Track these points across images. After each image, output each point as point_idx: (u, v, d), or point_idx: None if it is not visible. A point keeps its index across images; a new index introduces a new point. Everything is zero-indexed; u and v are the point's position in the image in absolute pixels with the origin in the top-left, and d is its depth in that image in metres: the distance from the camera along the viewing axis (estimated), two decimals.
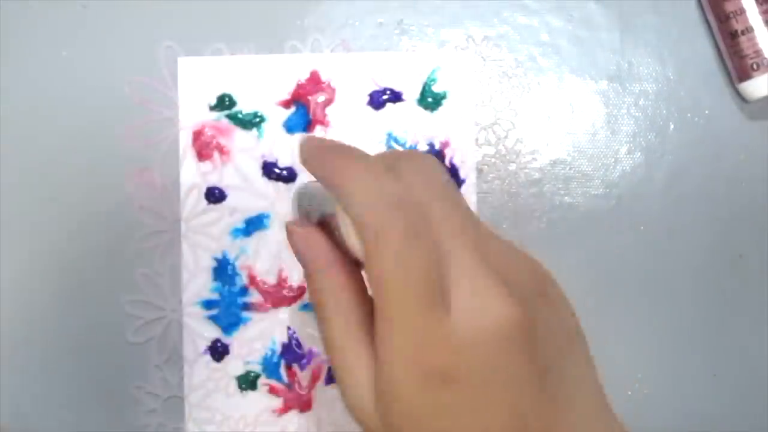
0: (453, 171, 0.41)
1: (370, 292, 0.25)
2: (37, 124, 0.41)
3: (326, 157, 0.26)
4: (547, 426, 0.24)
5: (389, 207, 0.23)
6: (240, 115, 0.41)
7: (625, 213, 0.41)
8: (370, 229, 0.24)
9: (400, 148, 0.38)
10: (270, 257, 0.41)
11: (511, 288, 0.24)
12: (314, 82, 0.41)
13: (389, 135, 0.41)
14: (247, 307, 0.41)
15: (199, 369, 0.41)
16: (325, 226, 0.28)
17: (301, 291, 0.41)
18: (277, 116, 0.41)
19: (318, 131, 0.41)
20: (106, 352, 0.41)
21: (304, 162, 0.27)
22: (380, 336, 0.24)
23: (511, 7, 0.42)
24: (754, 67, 0.40)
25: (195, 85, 0.41)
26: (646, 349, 0.41)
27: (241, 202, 0.41)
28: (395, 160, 0.26)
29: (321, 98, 0.41)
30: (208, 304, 0.41)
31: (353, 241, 0.25)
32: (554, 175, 0.41)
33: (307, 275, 0.28)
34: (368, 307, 0.27)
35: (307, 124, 0.41)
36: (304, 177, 0.41)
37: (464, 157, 0.41)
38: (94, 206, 0.41)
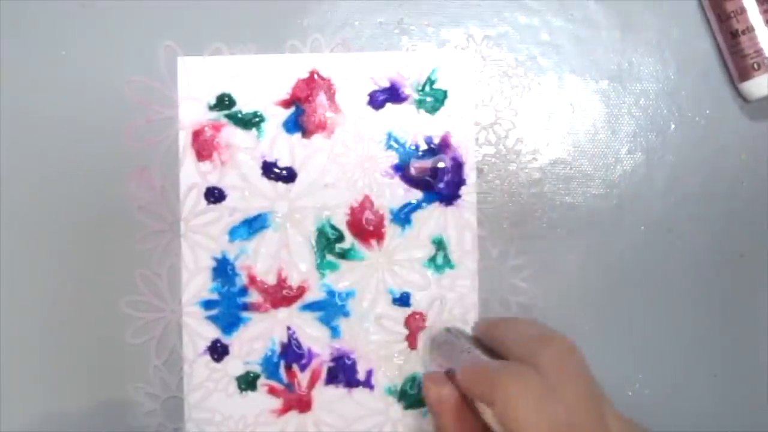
0: (453, 171, 0.41)
1: None
2: (36, 123, 0.41)
3: (478, 377, 0.29)
4: None
5: None
6: (239, 115, 0.41)
7: (625, 213, 0.41)
8: None
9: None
10: (270, 257, 0.41)
11: None
12: (314, 81, 0.41)
13: (389, 135, 0.41)
14: (246, 307, 0.41)
15: (199, 369, 0.40)
16: (453, 375, 0.31)
17: (300, 291, 0.41)
18: (276, 116, 0.41)
19: (317, 133, 0.41)
20: (105, 352, 0.41)
21: (462, 384, 0.30)
22: None
23: (512, 7, 0.41)
24: (755, 66, 0.39)
25: (194, 84, 0.41)
26: (646, 349, 0.41)
27: (241, 202, 0.41)
28: (535, 349, 0.28)
29: (320, 98, 0.41)
30: (207, 304, 0.41)
31: (496, 429, 0.28)
32: (555, 175, 0.41)
33: (436, 427, 0.31)
34: None
35: (306, 125, 0.41)
36: (304, 177, 0.41)
37: (464, 156, 0.41)
38: (93, 206, 0.41)
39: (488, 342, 0.32)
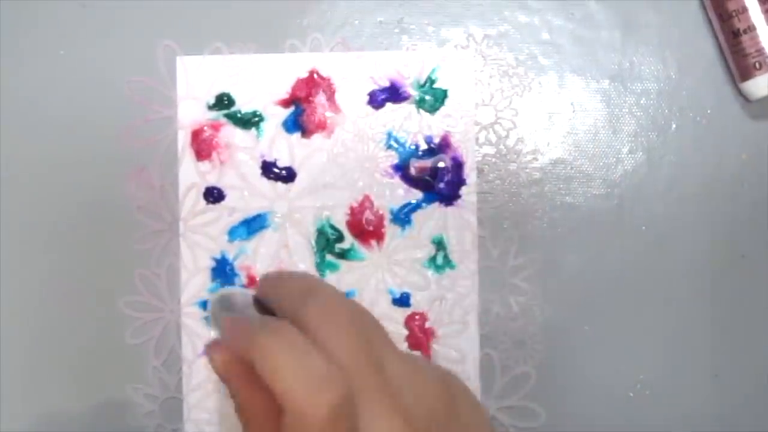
0: (453, 171, 0.40)
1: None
2: (36, 123, 0.41)
3: (237, 334, 0.28)
4: None
5: (308, 390, 0.25)
6: (239, 115, 0.41)
7: (626, 213, 0.41)
8: (292, 412, 0.25)
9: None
10: (269, 257, 0.41)
11: (417, 423, 0.26)
12: (313, 81, 0.41)
13: (389, 134, 0.41)
14: None
15: (198, 370, 0.40)
16: None
17: None
18: (276, 115, 0.41)
19: (317, 133, 0.41)
20: (104, 353, 0.41)
21: (224, 342, 0.29)
22: None
23: (512, 6, 0.41)
24: (757, 66, 0.39)
25: (193, 84, 0.41)
26: (647, 350, 0.41)
27: (240, 202, 0.41)
28: (300, 303, 0.28)
29: (320, 97, 0.41)
30: (206, 305, 0.41)
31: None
32: (555, 175, 0.41)
33: (230, 395, 0.29)
34: None
35: (306, 125, 0.41)
36: (303, 177, 0.41)
37: (465, 156, 0.41)
38: (92, 206, 0.41)
39: (265, 301, 0.32)
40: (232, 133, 0.41)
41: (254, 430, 0.28)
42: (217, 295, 0.35)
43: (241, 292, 0.34)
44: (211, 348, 0.29)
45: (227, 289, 0.38)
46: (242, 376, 0.28)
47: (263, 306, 0.32)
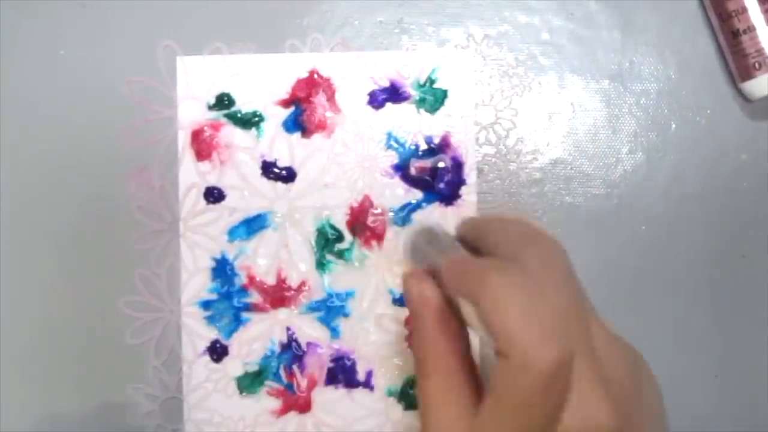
0: (453, 171, 0.40)
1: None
2: (35, 123, 0.41)
3: (464, 273, 0.26)
4: None
5: (538, 340, 0.24)
6: (239, 115, 0.41)
7: (626, 213, 0.41)
8: (514, 358, 0.24)
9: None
10: (269, 257, 0.41)
11: (614, 397, 0.25)
12: (313, 81, 0.41)
13: (389, 134, 0.41)
14: (246, 307, 0.41)
15: (198, 370, 0.40)
16: (436, 273, 0.28)
17: (300, 291, 0.41)
18: (276, 115, 0.41)
19: (317, 133, 0.41)
20: (104, 353, 0.41)
21: (446, 279, 0.27)
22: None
23: (512, 6, 0.41)
24: (756, 66, 0.39)
25: (194, 84, 0.41)
26: (646, 350, 0.41)
27: (241, 202, 0.41)
28: (521, 248, 0.26)
29: (320, 97, 0.41)
30: (206, 305, 0.41)
31: (479, 332, 0.26)
32: (555, 175, 0.41)
33: (415, 328, 0.28)
34: (471, 370, 0.27)
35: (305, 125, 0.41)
36: (304, 177, 0.41)
37: (465, 156, 0.41)
38: (92, 206, 0.41)
39: (472, 242, 0.30)
40: (232, 133, 0.41)
41: (434, 370, 0.27)
42: (418, 227, 0.33)
43: (441, 230, 0.32)
44: (415, 278, 0.28)
45: (428, 223, 0.36)
46: (435, 310, 0.27)
47: (469, 248, 0.30)
